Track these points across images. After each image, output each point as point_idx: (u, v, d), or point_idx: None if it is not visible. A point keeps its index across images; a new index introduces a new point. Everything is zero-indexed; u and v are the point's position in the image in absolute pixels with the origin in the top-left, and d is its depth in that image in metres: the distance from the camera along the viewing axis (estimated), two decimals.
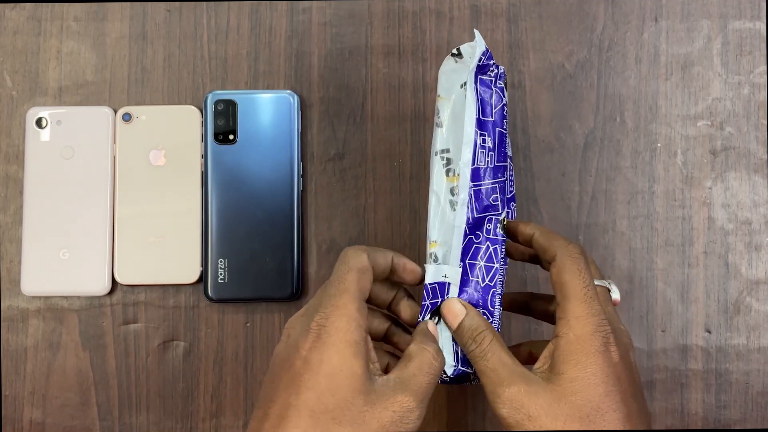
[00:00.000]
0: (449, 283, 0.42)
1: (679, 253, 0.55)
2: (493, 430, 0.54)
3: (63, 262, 0.54)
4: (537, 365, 0.39)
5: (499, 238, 0.43)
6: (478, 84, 0.42)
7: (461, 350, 0.41)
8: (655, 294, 0.54)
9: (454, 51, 0.43)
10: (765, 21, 0.56)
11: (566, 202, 0.55)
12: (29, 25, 0.56)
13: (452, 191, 0.42)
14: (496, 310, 0.42)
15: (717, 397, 0.54)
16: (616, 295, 0.42)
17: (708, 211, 0.55)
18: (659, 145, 0.55)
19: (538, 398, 0.36)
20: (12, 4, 0.56)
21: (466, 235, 0.42)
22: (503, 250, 0.43)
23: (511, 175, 0.49)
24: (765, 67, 0.56)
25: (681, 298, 0.54)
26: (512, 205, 0.48)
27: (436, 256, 0.43)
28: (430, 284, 0.42)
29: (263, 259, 0.53)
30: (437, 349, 0.39)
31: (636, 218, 0.55)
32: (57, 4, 0.56)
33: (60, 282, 0.54)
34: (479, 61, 0.42)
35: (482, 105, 0.42)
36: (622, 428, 0.36)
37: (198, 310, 0.55)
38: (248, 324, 0.55)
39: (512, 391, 0.37)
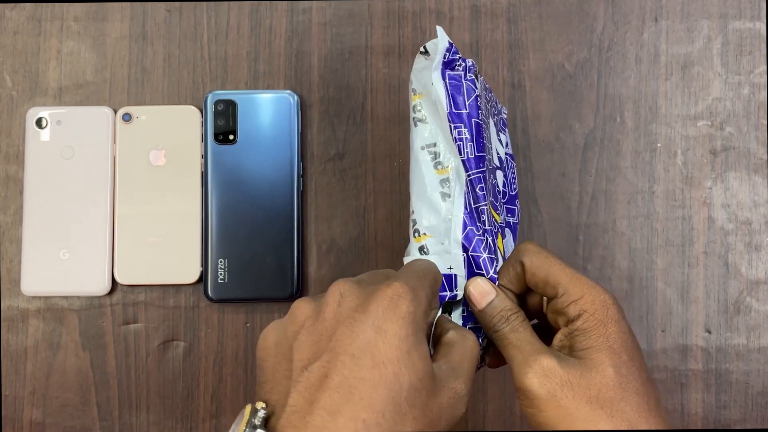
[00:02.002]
0: (456, 275, 0.42)
1: (679, 253, 0.55)
2: (493, 430, 0.54)
3: (63, 262, 0.54)
4: (556, 344, 0.39)
5: (495, 229, 0.43)
6: (446, 80, 0.43)
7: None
8: (655, 294, 0.54)
9: (422, 49, 0.44)
10: (765, 21, 0.56)
11: (566, 202, 0.55)
12: (29, 25, 0.56)
13: (443, 183, 0.43)
14: None
15: (717, 397, 0.54)
16: None
17: (708, 211, 0.55)
18: (659, 145, 0.55)
19: (570, 368, 0.37)
20: (12, 4, 0.56)
21: (465, 225, 0.42)
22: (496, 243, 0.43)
23: (514, 173, 0.49)
24: (765, 67, 0.56)
25: (681, 298, 0.54)
26: (516, 203, 0.48)
27: (427, 249, 0.43)
28: None
29: (263, 259, 0.53)
30: (475, 336, 0.39)
31: (636, 218, 0.55)
32: (57, 4, 0.56)
33: (60, 282, 0.54)
34: (444, 57, 0.42)
35: (453, 99, 0.42)
36: (648, 394, 0.37)
37: (198, 310, 0.55)
38: (248, 324, 0.55)
39: (545, 362, 0.37)
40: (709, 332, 0.54)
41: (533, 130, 0.55)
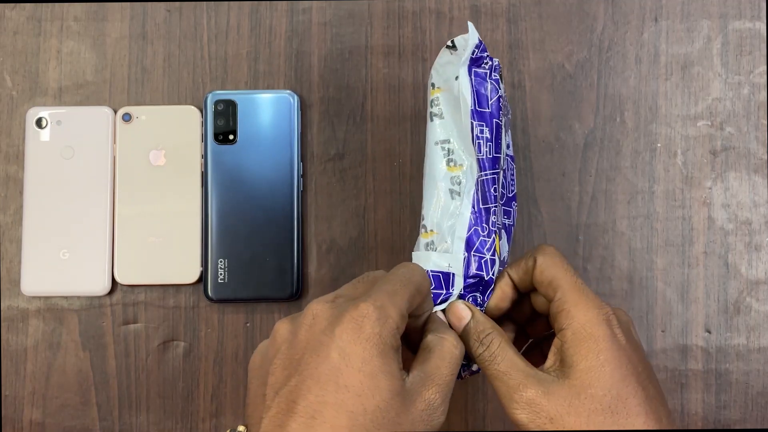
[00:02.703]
0: (453, 274, 0.42)
1: (679, 253, 0.55)
2: (493, 430, 0.54)
3: (63, 262, 0.54)
4: (547, 364, 0.38)
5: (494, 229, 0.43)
6: (472, 76, 0.42)
7: None
8: (655, 294, 0.54)
9: (449, 43, 0.43)
10: (765, 21, 0.56)
11: (566, 202, 0.55)
12: (29, 25, 0.56)
13: (453, 181, 0.42)
14: None
15: (717, 397, 0.54)
16: None
17: (708, 211, 0.55)
18: (659, 145, 0.55)
19: (556, 398, 0.36)
20: (12, 4, 0.56)
21: (471, 225, 0.42)
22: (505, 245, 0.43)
23: (513, 174, 0.49)
24: (765, 67, 0.56)
25: (681, 298, 0.54)
26: (513, 205, 0.48)
27: (434, 245, 0.43)
28: (432, 272, 0.42)
29: (263, 259, 0.53)
30: (456, 336, 0.38)
31: (636, 218, 0.55)
32: (57, 4, 0.56)
33: (60, 282, 0.54)
34: (472, 53, 0.42)
35: (478, 97, 0.42)
36: (644, 413, 0.35)
37: (198, 310, 0.55)
38: (248, 324, 0.55)
39: (529, 395, 0.36)
40: (709, 332, 0.54)
41: (533, 130, 0.55)
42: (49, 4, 0.56)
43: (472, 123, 0.42)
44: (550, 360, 0.38)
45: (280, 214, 0.54)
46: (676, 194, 0.55)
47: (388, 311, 0.34)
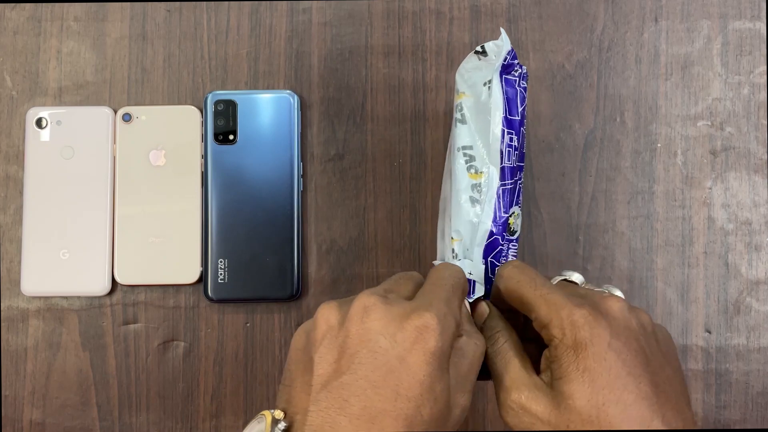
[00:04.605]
0: (474, 281, 0.42)
1: (679, 253, 0.55)
2: (493, 430, 0.54)
3: (63, 262, 0.54)
4: (542, 367, 0.38)
5: (512, 237, 0.43)
6: (503, 83, 0.42)
7: None
8: (655, 294, 0.54)
9: (478, 48, 0.43)
10: (765, 21, 0.56)
11: (566, 202, 0.55)
12: (29, 25, 0.56)
13: (474, 188, 0.42)
14: None
15: (717, 397, 0.54)
16: (576, 278, 0.41)
17: (708, 211, 0.55)
18: (659, 145, 0.55)
19: (539, 404, 0.36)
20: (12, 4, 0.56)
21: (492, 234, 0.42)
22: (513, 247, 0.43)
23: (521, 177, 0.49)
24: (765, 67, 0.56)
25: (681, 298, 0.54)
26: (518, 207, 0.48)
27: (456, 252, 0.42)
28: None
29: (263, 259, 0.53)
30: (483, 340, 0.38)
31: (636, 218, 0.55)
32: (57, 4, 0.56)
33: (60, 282, 0.54)
34: (504, 60, 0.42)
35: (508, 104, 0.42)
36: (629, 418, 0.34)
37: (198, 310, 0.55)
38: (248, 324, 0.55)
39: (513, 398, 0.36)
40: (709, 332, 0.54)
41: (533, 130, 0.55)
42: (49, 4, 0.56)
43: (503, 130, 0.41)
44: (543, 367, 0.38)
45: (280, 214, 0.54)
46: (676, 194, 0.55)
47: (448, 323, 0.34)
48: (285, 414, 0.34)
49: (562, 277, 0.41)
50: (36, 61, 0.56)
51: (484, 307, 0.41)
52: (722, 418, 0.54)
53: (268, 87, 0.56)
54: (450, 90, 0.55)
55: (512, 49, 0.42)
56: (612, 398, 0.34)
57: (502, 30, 0.43)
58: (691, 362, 0.54)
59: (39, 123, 0.55)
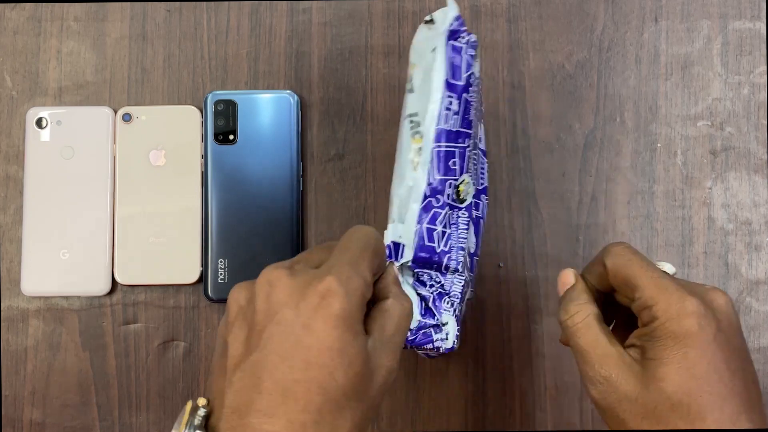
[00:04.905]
0: (403, 245, 0.42)
1: (679, 253, 0.55)
2: (493, 430, 0.54)
3: (63, 262, 0.54)
4: (630, 341, 0.38)
5: (460, 206, 0.43)
6: (448, 48, 0.42)
7: (426, 301, 0.42)
8: None
9: (427, 18, 0.43)
10: (765, 21, 0.56)
11: (566, 202, 0.55)
12: (29, 25, 0.56)
13: (416, 152, 0.42)
14: (448, 277, 0.43)
15: None
16: (669, 268, 0.41)
17: (708, 211, 0.55)
18: (659, 145, 0.55)
19: (628, 383, 0.36)
20: (12, 4, 0.56)
21: (425, 197, 0.42)
22: (462, 215, 0.43)
23: (484, 166, 0.49)
24: (765, 67, 0.56)
25: None
26: (483, 198, 0.48)
27: (393, 217, 0.43)
28: (388, 244, 0.42)
29: (263, 259, 0.53)
30: (411, 302, 0.37)
31: (636, 218, 0.55)
32: (57, 4, 0.56)
33: (60, 282, 0.54)
34: (450, 25, 0.42)
35: (452, 69, 0.42)
36: (719, 409, 0.34)
37: (198, 310, 0.55)
38: None
39: (603, 373, 0.36)
40: None
41: (533, 130, 0.55)
42: (49, 4, 0.56)
43: (443, 92, 0.41)
44: (634, 339, 0.38)
45: (280, 214, 0.54)
46: (676, 194, 0.55)
47: (354, 284, 0.33)
48: (208, 401, 0.33)
49: (661, 267, 0.41)
50: (36, 61, 0.56)
51: (569, 277, 0.41)
52: None
53: (268, 87, 0.56)
54: None
55: (459, 16, 0.42)
56: (707, 389, 0.34)
57: None
58: None
59: (39, 123, 0.55)
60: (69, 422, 0.54)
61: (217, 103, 0.54)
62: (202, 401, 0.33)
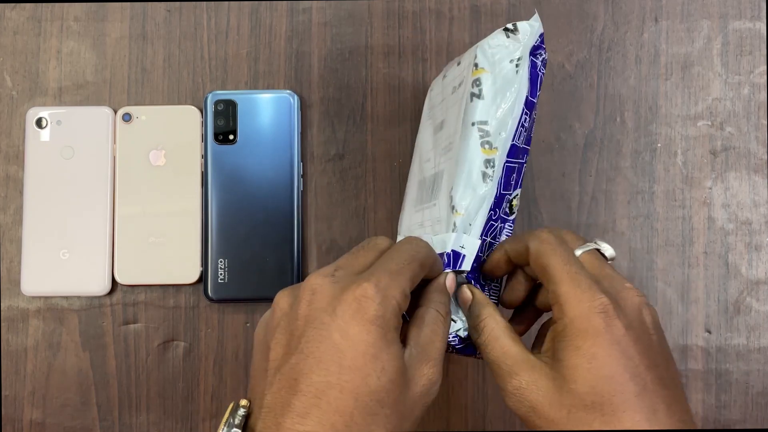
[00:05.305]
0: (464, 255, 0.41)
1: (679, 253, 0.55)
2: (493, 430, 0.54)
3: (63, 262, 0.54)
4: (544, 347, 0.38)
5: (509, 218, 0.43)
6: (530, 63, 0.42)
7: None
8: (655, 294, 0.54)
9: (509, 26, 0.43)
10: (765, 21, 0.56)
11: (566, 202, 0.55)
12: (29, 25, 0.56)
13: (487, 164, 0.42)
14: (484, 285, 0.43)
15: (717, 397, 0.54)
16: (609, 252, 0.40)
17: (708, 211, 0.55)
18: (659, 145, 0.55)
19: (539, 389, 0.35)
20: (12, 4, 0.56)
21: (490, 209, 0.42)
22: (508, 228, 0.43)
23: (525, 161, 0.49)
24: (765, 67, 0.56)
25: (681, 298, 0.54)
26: (519, 190, 0.48)
27: (455, 225, 0.42)
28: (447, 252, 0.42)
29: (263, 259, 0.53)
30: (448, 308, 0.38)
31: (636, 218, 0.55)
32: (57, 4, 0.56)
33: (60, 282, 0.54)
34: (535, 40, 0.42)
35: (531, 84, 0.42)
36: (632, 409, 0.34)
37: (198, 310, 0.55)
38: (248, 324, 0.55)
39: (514, 384, 0.36)
40: (709, 332, 0.54)
41: (533, 130, 0.55)
42: (49, 4, 0.56)
43: (522, 109, 0.42)
44: (546, 344, 0.38)
45: (280, 214, 0.54)
46: (676, 194, 0.55)
47: (390, 292, 0.34)
48: (249, 402, 0.35)
49: (595, 246, 0.40)
50: (36, 61, 0.56)
51: (466, 293, 0.41)
52: (722, 418, 0.54)
53: (268, 87, 0.56)
54: None
55: (543, 33, 0.43)
56: (618, 388, 0.34)
57: (536, 11, 0.43)
58: (691, 362, 0.54)
59: (39, 123, 0.55)
60: (69, 422, 0.54)
61: (217, 103, 0.54)
62: (243, 402, 0.34)
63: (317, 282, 0.35)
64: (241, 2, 0.56)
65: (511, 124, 0.42)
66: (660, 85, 0.56)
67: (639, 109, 0.56)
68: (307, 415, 0.32)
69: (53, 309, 0.55)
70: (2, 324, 0.54)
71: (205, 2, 0.56)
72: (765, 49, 0.56)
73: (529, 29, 0.42)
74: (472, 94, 0.43)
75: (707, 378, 0.54)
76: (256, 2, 0.56)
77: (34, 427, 0.54)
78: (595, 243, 0.40)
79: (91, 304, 0.55)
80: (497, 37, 0.43)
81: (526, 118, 0.42)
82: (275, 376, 0.34)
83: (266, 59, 0.56)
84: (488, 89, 0.42)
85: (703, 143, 0.55)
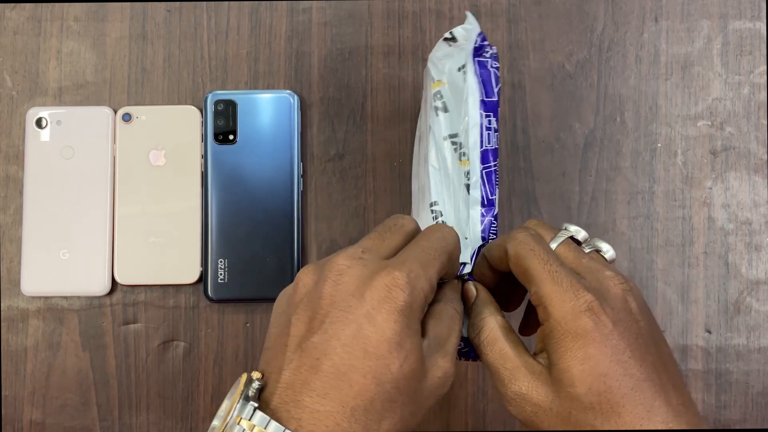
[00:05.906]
0: (464, 264, 0.42)
1: (679, 253, 0.55)
2: (492, 430, 0.54)
3: (63, 262, 0.54)
4: (536, 348, 0.37)
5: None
6: (476, 66, 0.42)
7: None
8: (655, 294, 0.54)
9: (447, 35, 0.43)
10: (765, 21, 0.56)
11: (566, 202, 0.55)
12: (29, 25, 0.56)
13: (466, 175, 0.42)
14: None
15: (717, 397, 0.54)
16: (609, 254, 0.39)
17: (708, 211, 0.55)
18: (659, 145, 0.55)
19: (539, 394, 0.35)
20: (12, 4, 0.56)
21: (482, 217, 0.42)
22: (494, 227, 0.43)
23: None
24: (765, 67, 0.56)
25: (681, 298, 0.54)
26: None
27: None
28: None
29: (263, 259, 0.53)
30: (462, 306, 0.38)
31: (636, 218, 0.55)
32: (57, 4, 0.56)
33: (60, 282, 0.54)
34: (475, 43, 0.42)
35: (484, 86, 0.42)
36: (630, 404, 0.33)
37: (198, 310, 0.55)
38: (248, 324, 0.55)
39: (514, 389, 0.36)
40: (709, 332, 0.54)
41: (533, 130, 0.55)
42: (49, 4, 0.56)
43: (481, 114, 0.41)
44: (538, 346, 0.37)
45: (280, 214, 0.54)
46: (676, 194, 0.55)
47: (420, 283, 0.34)
48: (262, 375, 0.34)
49: (569, 234, 0.39)
50: (36, 61, 0.56)
51: (471, 290, 0.40)
52: (722, 418, 0.54)
53: (268, 87, 0.56)
54: None
55: (481, 32, 0.42)
56: (615, 384, 0.34)
57: (468, 14, 0.43)
58: (691, 362, 0.54)
59: (39, 123, 0.55)
60: (69, 422, 0.54)
61: (217, 103, 0.54)
62: (256, 374, 0.34)
63: (345, 263, 0.35)
64: (241, 2, 0.56)
65: (474, 134, 0.41)
66: (660, 85, 0.56)
67: (639, 109, 0.56)
68: (327, 396, 0.32)
69: (53, 309, 0.55)
70: (2, 324, 0.54)
71: (205, 2, 0.56)
72: (765, 49, 0.56)
73: (466, 34, 0.42)
74: (437, 108, 0.43)
75: (707, 378, 0.54)
76: (256, 2, 0.56)
77: (34, 427, 0.54)
78: (565, 228, 0.39)
79: (91, 304, 0.55)
80: (441, 48, 0.43)
81: (490, 120, 0.42)
82: (295, 353, 0.33)
83: (266, 59, 0.56)
84: (449, 100, 0.42)
85: (703, 143, 0.55)
